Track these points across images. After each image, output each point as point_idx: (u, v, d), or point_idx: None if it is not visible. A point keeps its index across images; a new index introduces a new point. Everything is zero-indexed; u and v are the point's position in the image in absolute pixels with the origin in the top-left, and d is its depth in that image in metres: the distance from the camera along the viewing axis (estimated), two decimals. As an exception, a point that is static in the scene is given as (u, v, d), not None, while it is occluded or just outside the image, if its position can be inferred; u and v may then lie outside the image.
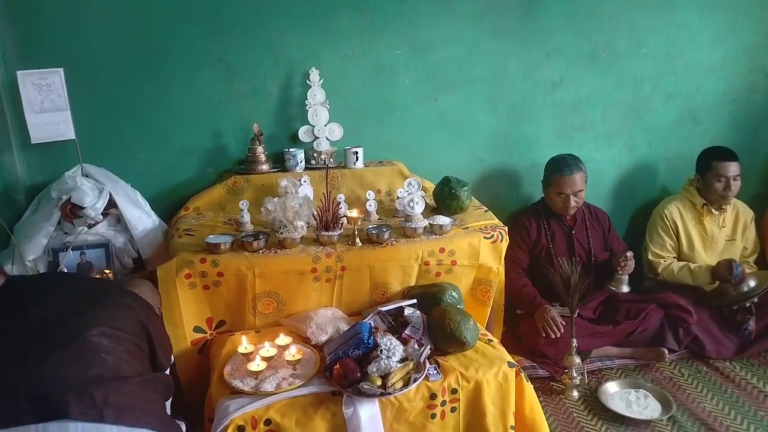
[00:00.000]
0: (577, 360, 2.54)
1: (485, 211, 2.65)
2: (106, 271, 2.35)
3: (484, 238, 2.37)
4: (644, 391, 2.56)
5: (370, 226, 2.37)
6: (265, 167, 2.64)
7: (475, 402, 1.94)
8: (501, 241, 2.41)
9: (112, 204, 2.38)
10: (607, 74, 3.10)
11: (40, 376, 1.41)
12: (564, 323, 2.59)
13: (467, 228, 2.44)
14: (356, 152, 2.71)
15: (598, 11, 2.98)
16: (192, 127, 2.66)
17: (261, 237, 2.24)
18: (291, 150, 2.67)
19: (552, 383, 2.67)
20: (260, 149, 2.63)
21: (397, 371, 1.84)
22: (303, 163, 2.69)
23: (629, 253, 2.75)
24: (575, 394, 2.57)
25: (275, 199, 2.32)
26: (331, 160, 2.73)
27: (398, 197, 2.58)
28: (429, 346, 1.99)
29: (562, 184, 2.78)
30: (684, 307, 2.77)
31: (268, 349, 1.98)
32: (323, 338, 2.09)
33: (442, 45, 2.83)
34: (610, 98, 3.15)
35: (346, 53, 2.73)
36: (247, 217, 2.42)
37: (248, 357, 1.96)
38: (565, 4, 2.92)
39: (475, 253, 2.35)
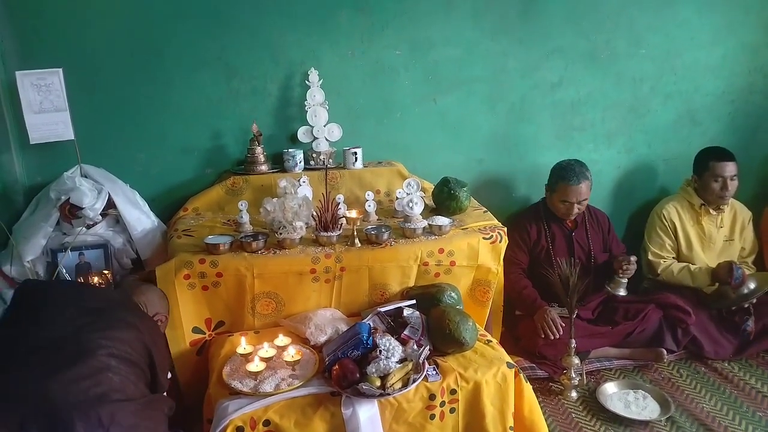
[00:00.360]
0: (576, 361, 2.54)
1: (484, 211, 2.65)
2: (105, 271, 2.35)
3: (483, 238, 2.37)
4: (643, 392, 2.56)
5: (369, 227, 2.37)
6: (264, 168, 2.64)
7: (474, 403, 1.94)
8: (500, 241, 2.41)
9: (111, 204, 2.37)
10: (606, 74, 3.10)
11: (49, 392, 1.42)
12: (563, 324, 2.59)
13: (466, 229, 2.44)
14: (355, 153, 2.71)
15: (598, 10, 2.98)
16: (191, 128, 2.66)
17: (260, 237, 2.24)
18: (290, 150, 2.67)
19: (551, 384, 2.67)
20: (259, 150, 2.63)
21: (396, 372, 1.84)
22: (302, 163, 2.69)
23: (633, 258, 2.74)
24: (574, 394, 2.57)
25: (274, 199, 2.32)
26: (330, 160, 2.73)
27: (397, 198, 2.58)
28: (428, 347, 1.99)
29: (568, 192, 2.77)
30: (682, 308, 2.78)
31: (267, 350, 1.98)
32: (322, 339, 2.09)
33: (441, 45, 2.83)
34: (610, 98, 3.15)
35: (345, 53, 2.73)
36: (246, 218, 2.42)
37: (247, 358, 1.96)
38: (565, 4, 2.93)
39: (474, 253, 2.36)
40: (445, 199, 2.57)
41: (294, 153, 2.66)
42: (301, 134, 2.69)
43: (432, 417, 1.89)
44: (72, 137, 2.36)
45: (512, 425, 2.00)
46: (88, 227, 2.36)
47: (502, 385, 1.97)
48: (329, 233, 2.26)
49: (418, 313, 2.14)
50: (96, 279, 2.32)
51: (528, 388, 2.03)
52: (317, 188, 2.57)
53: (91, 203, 2.30)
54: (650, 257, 3.04)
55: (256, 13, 2.59)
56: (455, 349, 2.04)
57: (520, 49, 2.94)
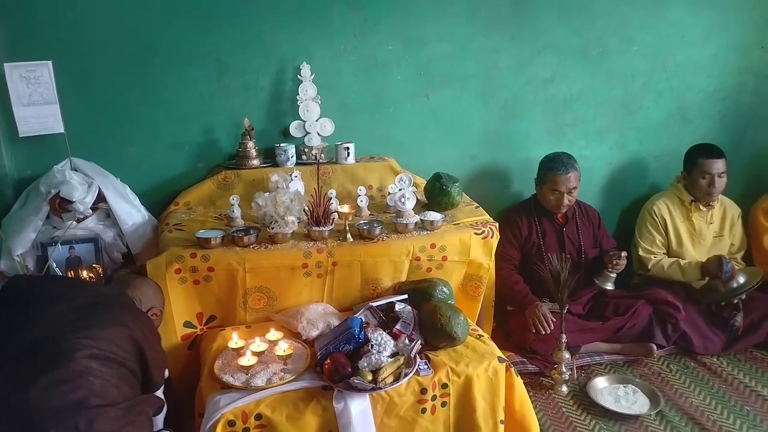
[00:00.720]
0: (567, 355, 2.55)
1: (476, 207, 2.65)
2: (95, 265, 2.33)
3: (475, 234, 2.38)
4: (633, 387, 2.58)
5: (361, 222, 2.37)
6: (255, 162, 2.63)
7: (466, 397, 1.95)
8: (491, 237, 2.42)
9: (101, 198, 2.36)
10: (598, 71, 3.11)
11: (25, 400, 1.37)
12: (554, 320, 2.61)
13: (458, 224, 2.44)
14: (347, 148, 2.71)
15: (590, 7, 2.99)
16: (182, 122, 2.64)
17: (252, 232, 2.24)
18: (282, 145, 2.66)
19: (541, 378, 2.69)
20: (251, 144, 2.62)
21: (387, 366, 1.84)
22: (294, 158, 2.68)
23: (623, 253, 2.76)
24: (564, 389, 2.59)
25: (266, 194, 2.31)
26: (323, 155, 2.73)
27: (389, 193, 2.58)
28: (419, 341, 1.99)
29: (558, 182, 2.79)
30: (672, 304, 2.80)
31: (258, 344, 1.98)
32: (314, 333, 2.09)
33: (434, 41, 2.83)
34: (601, 95, 3.16)
35: (338, 48, 2.72)
36: (237, 212, 2.41)
37: (239, 352, 1.96)
38: (557, 1, 2.93)
39: (466, 249, 2.36)
40: (437, 195, 2.57)
41: (286, 147, 2.65)
42: (293, 129, 2.69)
43: (423, 411, 1.90)
44: (62, 130, 2.34)
45: (503, 419, 2.01)
46: (79, 221, 2.35)
47: (493, 380, 1.98)
48: (321, 228, 2.26)
49: (409, 307, 2.14)
50: (86, 273, 2.31)
51: (519, 382, 2.04)
52: (309, 183, 2.56)
53: (82, 197, 2.29)
54: (641, 253, 3.06)
55: (248, 8, 2.57)
56: (447, 344, 2.04)
57: (512, 46, 2.95)
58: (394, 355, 1.91)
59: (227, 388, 1.85)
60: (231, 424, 1.73)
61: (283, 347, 1.97)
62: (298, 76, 2.64)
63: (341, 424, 1.78)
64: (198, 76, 2.59)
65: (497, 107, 3.03)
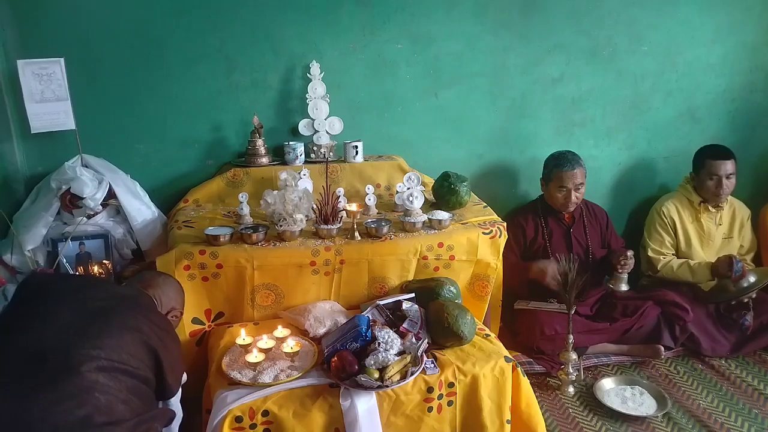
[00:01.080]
0: (574, 356, 2.55)
1: (484, 206, 2.65)
2: (105, 261, 2.35)
3: (483, 233, 2.38)
4: (640, 388, 2.57)
5: (369, 220, 2.37)
6: (264, 160, 2.64)
7: (472, 396, 1.95)
8: (499, 236, 2.41)
9: (111, 195, 2.38)
10: (607, 71, 3.10)
11: (26, 417, 1.31)
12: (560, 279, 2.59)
13: (466, 223, 2.44)
14: (356, 146, 2.71)
15: (599, 7, 2.98)
16: (192, 119, 2.66)
17: (260, 229, 2.25)
18: (291, 143, 2.67)
19: (548, 379, 2.68)
20: (260, 142, 2.63)
21: (394, 364, 1.85)
22: (303, 156, 2.69)
23: (629, 252, 2.75)
24: (571, 389, 2.59)
25: (275, 192, 2.32)
26: (331, 153, 2.73)
27: (397, 192, 2.58)
28: (426, 340, 2.00)
29: (565, 178, 2.78)
30: (680, 305, 2.78)
31: (266, 341, 1.99)
32: (321, 331, 2.09)
33: (442, 39, 2.83)
34: (610, 95, 3.15)
35: (347, 47, 2.73)
36: (246, 210, 2.42)
37: (246, 349, 1.97)
38: (566, 0, 2.92)
39: (474, 248, 2.36)
40: (445, 194, 2.57)
41: (295, 146, 2.66)
42: (302, 127, 2.69)
43: (430, 410, 1.90)
44: (73, 127, 2.36)
45: (509, 419, 2.01)
46: (89, 217, 2.37)
47: (500, 379, 1.98)
48: (329, 226, 2.26)
49: (416, 306, 2.14)
50: (96, 269, 2.33)
51: (525, 382, 2.04)
52: (318, 181, 2.57)
53: (92, 193, 2.30)
54: (650, 254, 3.05)
55: (257, 5, 2.58)
56: (453, 343, 2.05)
57: (521, 45, 2.94)
58: (400, 353, 1.92)
59: (235, 384, 1.86)
60: (238, 420, 1.74)
61: (291, 344, 1.98)
62: (308, 75, 2.64)
63: (348, 421, 1.78)
64: (207, 73, 2.61)
65: (506, 106, 3.02)
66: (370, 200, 2.54)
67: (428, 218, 2.38)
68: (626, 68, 3.12)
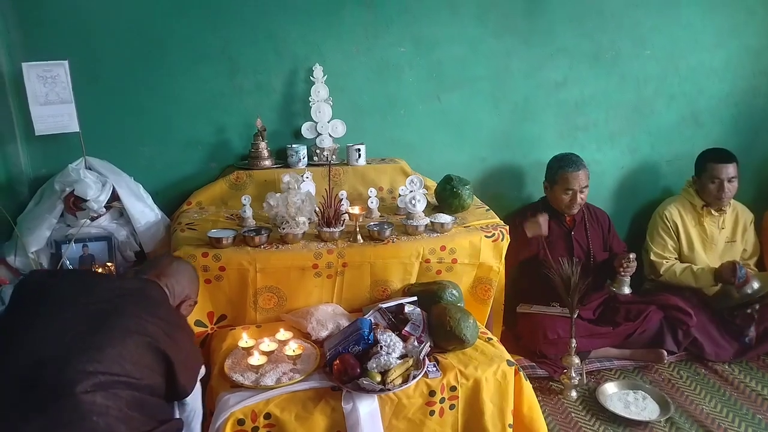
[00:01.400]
0: (576, 360, 2.54)
1: (487, 210, 2.65)
2: (108, 263, 2.36)
3: (485, 236, 2.38)
4: (643, 393, 2.56)
5: (372, 223, 2.37)
6: (267, 163, 2.64)
7: (474, 400, 1.95)
8: (502, 240, 2.41)
9: (115, 197, 2.38)
10: (610, 75, 3.10)
11: None
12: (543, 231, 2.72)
13: (468, 226, 2.44)
14: (359, 149, 2.71)
15: (602, 11, 2.98)
16: (195, 122, 2.66)
17: (263, 232, 2.25)
18: (294, 146, 2.67)
19: (551, 383, 2.68)
20: (263, 145, 2.64)
21: (396, 368, 1.84)
22: (305, 159, 2.69)
23: (632, 255, 2.75)
24: (574, 394, 2.58)
25: (277, 194, 2.32)
26: (334, 156, 2.74)
27: (400, 195, 2.58)
28: (429, 344, 2.00)
29: (570, 180, 2.78)
30: (683, 310, 2.78)
31: (268, 344, 1.99)
32: (323, 334, 2.09)
33: (445, 43, 2.83)
34: (613, 99, 3.15)
35: (350, 50, 2.73)
36: (249, 212, 2.43)
37: (249, 351, 1.97)
38: (569, 4, 2.93)
39: (476, 251, 2.36)
40: (447, 197, 2.57)
41: (298, 148, 2.66)
42: (305, 130, 2.70)
43: (432, 413, 1.90)
44: (77, 129, 2.36)
45: (511, 423, 2.00)
46: (92, 219, 2.37)
47: (502, 383, 1.97)
48: (332, 229, 2.26)
49: (419, 309, 2.14)
50: (99, 271, 2.33)
51: (528, 386, 2.03)
52: (320, 184, 2.57)
53: (96, 195, 2.31)
54: (653, 257, 3.04)
55: (260, 7, 2.59)
56: (456, 346, 2.04)
57: (524, 49, 2.94)
58: (403, 356, 1.92)
59: (237, 387, 1.86)
60: (240, 422, 1.74)
61: (293, 347, 1.98)
62: (311, 78, 2.65)
63: (349, 424, 1.78)
64: (210, 75, 2.61)
65: (508, 110, 3.03)
66: (373, 203, 2.54)
67: (431, 221, 2.38)
68: (629, 72, 3.12)
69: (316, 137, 2.71)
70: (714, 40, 3.18)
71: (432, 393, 1.89)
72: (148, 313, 1.55)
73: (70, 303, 1.49)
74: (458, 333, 2.00)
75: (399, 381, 1.84)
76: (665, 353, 2.76)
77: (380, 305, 2.16)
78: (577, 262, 2.58)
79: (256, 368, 1.90)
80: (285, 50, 2.67)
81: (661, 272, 3.01)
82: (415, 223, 2.35)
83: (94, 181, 2.34)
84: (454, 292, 2.25)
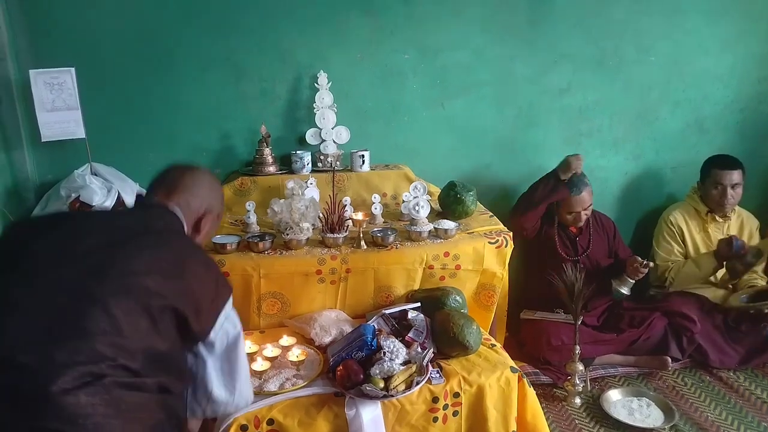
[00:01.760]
0: (580, 367, 2.54)
1: (490, 216, 2.65)
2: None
3: (489, 243, 2.38)
4: (647, 400, 2.55)
5: (375, 229, 2.38)
6: (272, 169, 2.66)
7: (477, 406, 1.94)
8: (506, 246, 2.41)
9: (120, 203, 2.39)
10: (614, 81, 3.10)
11: None
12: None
13: (472, 233, 2.45)
14: (363, 155, 2.72)
15: (606, 17, 2.99)
16: (200, 128, 2.68)
17: (267, 238, 2.26)
18: (298, 152, 2.68)
19: (554, 390, 2.67)
20: (267, 151, 2.65)
21: (399, 374, 1.84)
22: (310, 165, 2.70)
23: (647, 262, 2.72)
24: (578, 401, 2.57)
25: (282, 200, 2.33)
26: (338, 162, 2.75)
27: (404, 201, 2.59)
28: (432, 350, 2.00)
29: (573, 204, 2.79)
30: (688, 316, 2.77)
31: (271, 350, 2.00)
32: (327, 340, 2.10)
33: (449, 49, 2.84)
34: (618, 105, 3.15)
35: (354, 56, 2.75)
36: (253, 218, 2.44)
37: (252, 357, 1.97)
38: (573, 10, 2.93)
39: (480, 258, 2.36)
40: (451, 203, 2.57)
41: (302, 155, 2.68)
42: (309, 136, 2.71)
43: (435, 420, 1.90)
44: (83, 136, 2.38)
45: (515, 429, 2.00)
46: (98, 225, 2.38)
47: (506, 390, 1.97)
48: (335, 235, 2.27)
49: (422, 316, 2.14)
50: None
51: (531, 392, 2.03)
52: (324, 190, 2.58)
53: (101, 201, 2.32)
54: (659, 262, 3.03)
55: (265, 15, 2.61)
56: (459, 353, 2.04)
57: (528, 55, 2.95)
58: (406, 363, 1.92)
59: (240, 392, 1.86)
60: (243, 428, 1.75)
61: (296, 353, 1.98)
62: (315, 84, 2.66)
63: (352, 430, 1.78)
64: (216, 82, 2.63)
65: (512, 116, 3.03)
66: (377, 209, 2.55)
67: (434, 227, 2.38)
68: (633, 78, 3.12)
69: (320, 143, 2.73)
70: (719, 46, 3.17)
71: (435, 399, 1.89)
72: (150, 257, 1.28)
73: (54, 265, 1.21)
74: (461, 339, 2.00)
75: (402, 387, 1.84)
76: (669, 360, 2.75)
77: (384, 311, 2.17)
78: (581, 269, 2.58)
79: (259, 374, 1.91)
80: (290, 57, 2.68)
81: (667, 275, 2.99)
82: (418, 229, 2.35)
83: (99, 186, 2.35)
84: (458, 298, 2.25)
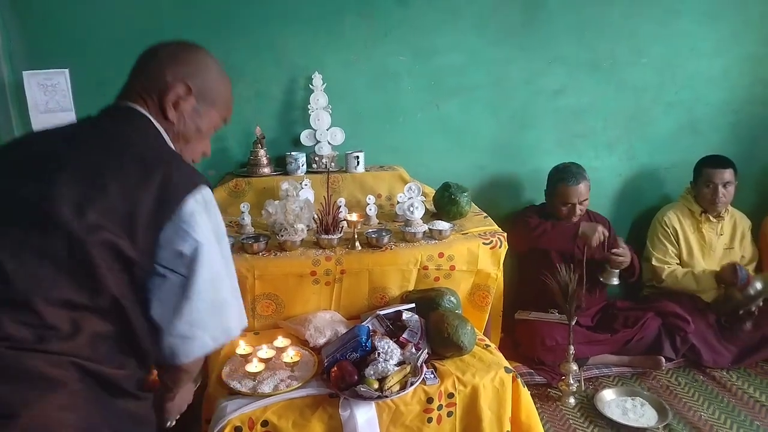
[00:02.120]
0: (575, 367, 2.55)
1: (485, 217, 2.66)
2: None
3: (483, 243, 2.38)
4: (641, 399, 2.56)
5: (370, 230, 2.38)
6: (266, 170, 2.66)
7: (472, 407, 1.95)
8: (500, 247, 2.42)
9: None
10: (608, 83, 3.12)
11: None
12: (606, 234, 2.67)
13: (466, 233, 2.45)
14: (357, 157, 2.73)
15: (600, 20, 3.00)
16: (195, 130, 2.67)
17: (261, 239, 2.26)
18: (293, 153, 2.69)
19: (549, 390, 2.68)
20: (262, 152, 2.65)
21: (394, 375, 1.85)
22: (304, 166, 2.71)
23: (618, 249, 2.73)
24: (572, 401, 2.58)
25: (276, 202, 2.33)
26: (333, 164, 2.75)
27: (398, 202, 2.60)
28: (426, 350, 2.00)
29: (568, 194, 2.79)
30: (681, 316, 2.78)
31: (266, 351, 1.99)
32: (321, 341, 2.10)
33: (444, 51, 2.85)
34: (611, 107, 3.16)
35: (349, 58, 2.75)
36: (248, 220, 2.44)
37: (246, 358, 1.97)
38: (567, 13, 2.95)
39: (474, 258, 2.37)
40: (445, 204, 2.58)
41: (296, 156, 2.68)
42: (304, 138, 2.71)
43: (429, 420, 1.90)
44: (77, 137, 2.37)
45: (509, 430, 2.00)
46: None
47: (500, 390, 1.97)
48: (330, 236, 2.27)
49: (417, 316, 2.14)
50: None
51: (525, 393, 2.03)
52: (319, 191, 2.58)
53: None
54: (654, 263, 3.04)
55: (260, 17, 2.61)
56: (453, 353, 2.05)
57: (522, 57, 2.96)
58: (400, 363, 1.92)
59: (234, 394, 1.86)
60: (237, 430, 1.74)
61: (291, 354, 1.98)
62: (310, 86, 2.67)
63: (347, 431, 1.78)
64: (211, 84, 2.63)
65: (507, 117, 3.04)
66: (371, 210, 2.55)
67: (429, 228, 2.39)
68: (627, 80, 3.14)
69: (315, 145, 2.73)
70: (712, 48, 3.19)
71: (430, 400, 1.89)
72: (98, 188, 1.02)
73: None
74: (456, 340, 2.00)
75: (396, 388, 1.84)
76: (663, 360, 2.77)
77: (378, 312, 2.17)
78: (575, 269, 2.58)
79: (253, 375, 1.90)
80: (284, 58, 2.69)
81: (663, 277, 3.01)
82: (413, 230, 2.36)
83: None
84: (452, 299, 2.25)
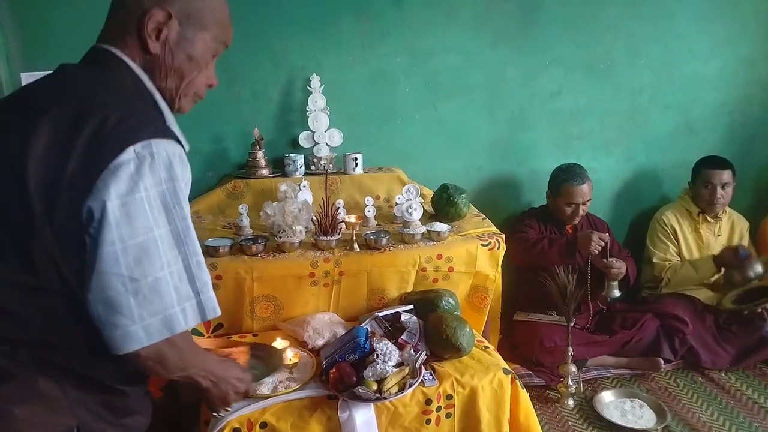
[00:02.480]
0: (573, 369, 2.55)
1: (483, 218, 2.66)
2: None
3: (482, 245, 2.38)
4: (639, 401, 2.56)
5: (369, 232, 2.38)
6: (265, 172, 2.66)
7: (470, 408, 1.95)
8: (498, 248, 2.42)
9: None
10: (605, 84, 3.13)
11: None
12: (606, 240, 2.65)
13: (465, 235, 2.45)
14: (355, 158, 2.73)
15: (597, 21, 3.01)
16: (192, 131, 2.62)
17: (260, 241, 2.25)
18: (291, 155, 2.69)
19: (547, 391, 2.67)
20: (260, 154, 2.65)
21: (392, 376, 1.84)
22: (303, 168, 2.71)
23: (611, 260, 2.73)
24: (570, 402, 2.58)
25: (275, 203, 2.33)
26: (331, 165, 2.75)
27: (397, 203, 2.59)
28: (425, 352, 2.00)
29: (573, 193, 2.79)
30: (680, 318, 2.79)
31: (264, 353, 1.99)
32: (320, 342, 2.09)
33: (441, 53, 2.86)
34: (608, 108, 3.17)
35: (346, 60, 2.76)
36: (246, 221, 2.43)
37: (245, 360, 1.96)
38: (564, 14, 2.96)
39: (473, 260, 2.37)
40: (444, 206, 2.58)
41: (295, 158, 2.68)
42: (302, 139, 2.71)
43: (428, 422, 1.90)
44: (74, 139, 2.37)
45: (508, 431, 2.00)
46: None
47: (498, 391, 1.97)
48: (328, 237, 2.27)
49: (415, 318, 2.14)
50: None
51: (524, 394, 2.03)
52: (317, 193, 2.58)
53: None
54: (655, 260, 3.04)
55: (258, 18, 2.61)
56: (452, 355, 2.05)
57: (519, 58, 2.97)
58: (399, 365, 1.92)
59: (233, 395, 1.85)
60: (236, 431, 1.74)
61: (289, 356, 1.98)
62: (308, 87, 2.67)
63: (346, 433, 1.78)
64: (208, 85, 2.63)
65: (504, 119, 3.05)
66: (370, 212, 2.55)
67: (427, 230, 2.39)
68: (623, 82, 3.15)
69: (313, 146, 2.73)
70: (708, 50, 3.21)
71: (428, 401, 1.89)
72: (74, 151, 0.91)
73: None
74: (454, 341, 2.00)
75: (395, 389, 1.83)
76: (662, 361, 2.77)
77: (377, 314, 2.17)
78: (575, 270, 2.59)
79: (252, 377, 1.90)
80: (282, 60, 2.69)
81: (664, 274, 3.00)
82: (411, 232, 2.36)
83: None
84: (451, 300, 2.25)
